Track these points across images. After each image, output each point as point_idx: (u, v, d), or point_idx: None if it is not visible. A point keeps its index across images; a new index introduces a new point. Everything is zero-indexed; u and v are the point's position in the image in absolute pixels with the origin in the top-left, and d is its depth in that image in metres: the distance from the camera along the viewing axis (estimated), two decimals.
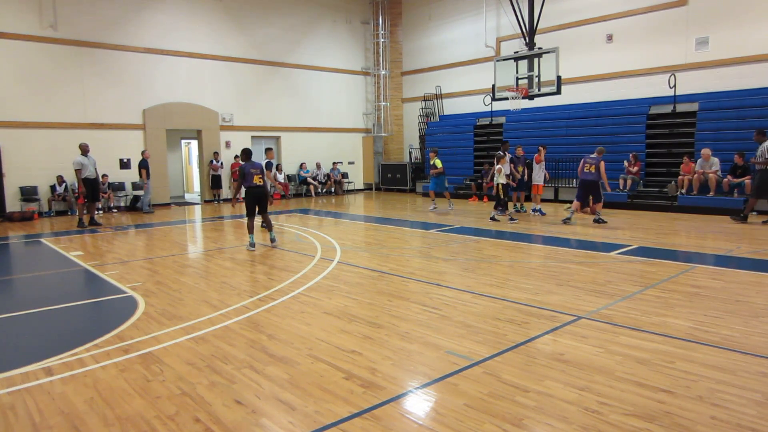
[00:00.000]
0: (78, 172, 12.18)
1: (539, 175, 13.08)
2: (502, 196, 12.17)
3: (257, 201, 9.13)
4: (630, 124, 15.41)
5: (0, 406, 3.53)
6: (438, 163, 14.10)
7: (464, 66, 20.56)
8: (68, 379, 3.94)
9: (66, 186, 15.38)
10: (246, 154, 9.13)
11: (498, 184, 12.09)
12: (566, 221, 11.48)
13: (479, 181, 17.87)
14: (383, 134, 23.01)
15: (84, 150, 12.34)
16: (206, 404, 3.49)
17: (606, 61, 16.44)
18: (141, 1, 16.69)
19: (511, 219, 12.04)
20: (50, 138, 15.18)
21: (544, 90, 13.78)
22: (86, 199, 12.53)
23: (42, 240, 10.92)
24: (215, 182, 18.47)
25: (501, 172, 11.97)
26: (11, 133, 14.63)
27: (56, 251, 9.54)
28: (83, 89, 15.79)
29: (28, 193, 14.98)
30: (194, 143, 20.39)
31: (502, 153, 12.29)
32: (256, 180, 9.00)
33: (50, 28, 15.09)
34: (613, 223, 11.52)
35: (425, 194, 19.87)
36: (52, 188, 15.35)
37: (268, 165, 11.95)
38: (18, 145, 14.76)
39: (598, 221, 11.24)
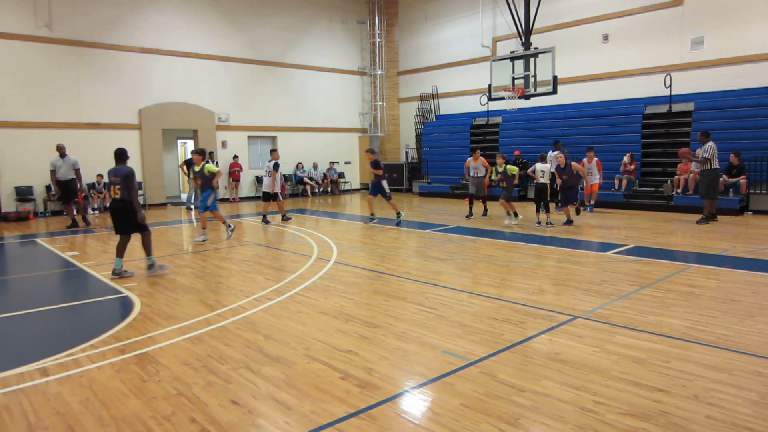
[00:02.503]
0: (51, 173, 12.29)
1: (595, 175, 13.25)
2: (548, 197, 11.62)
3: (112, 217, 7.28)
4: (626, 124, 15.46)
5: None
6: (212, 168, 9.94)
7: (460, 66, 20.58)
8: (64, 380, 3.93)
9: None
10: (117, 156, 7.20)
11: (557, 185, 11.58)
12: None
13: None
14: (380, 134, 23.00)
15: (59, 151, 12.25)
16: (202, 404, 3.48)
17: (602, 61, 16.48)
18: (136, 1, 16.63)
19: (549, 223, 11.27)
20: (46, 138, 15.10)
21: (540, 90, 13.79)
22: (59, 200, 12.54)
23: (37, 240, 10.87)
24: None
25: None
26: (6, 132, 14.58)
27: (52, 251, 9.51)
28: (79, 89, 15.73)
29: (23, 193, 14.92)
30: (190, 143, 20.34)
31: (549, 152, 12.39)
32: (112, 191, 7.12)
33: (45, 27, 15.02)
34: (609, 222, 11.55)
35: (422, 194, 19.89)
36: (48, 188, 15.28)
37: (276, 166, 12.21)
38: (13, 145, 14.71)
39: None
